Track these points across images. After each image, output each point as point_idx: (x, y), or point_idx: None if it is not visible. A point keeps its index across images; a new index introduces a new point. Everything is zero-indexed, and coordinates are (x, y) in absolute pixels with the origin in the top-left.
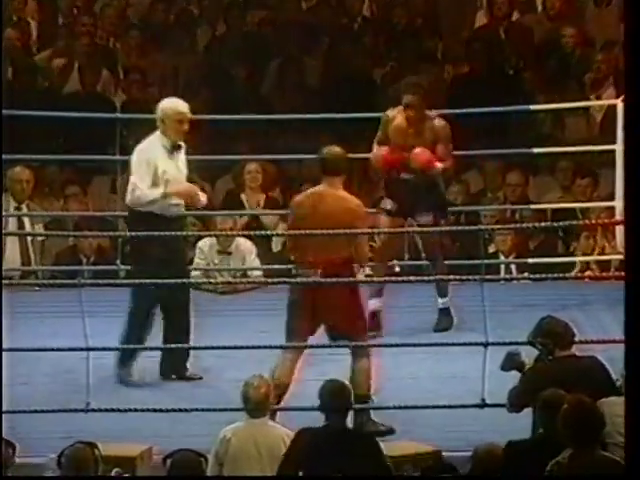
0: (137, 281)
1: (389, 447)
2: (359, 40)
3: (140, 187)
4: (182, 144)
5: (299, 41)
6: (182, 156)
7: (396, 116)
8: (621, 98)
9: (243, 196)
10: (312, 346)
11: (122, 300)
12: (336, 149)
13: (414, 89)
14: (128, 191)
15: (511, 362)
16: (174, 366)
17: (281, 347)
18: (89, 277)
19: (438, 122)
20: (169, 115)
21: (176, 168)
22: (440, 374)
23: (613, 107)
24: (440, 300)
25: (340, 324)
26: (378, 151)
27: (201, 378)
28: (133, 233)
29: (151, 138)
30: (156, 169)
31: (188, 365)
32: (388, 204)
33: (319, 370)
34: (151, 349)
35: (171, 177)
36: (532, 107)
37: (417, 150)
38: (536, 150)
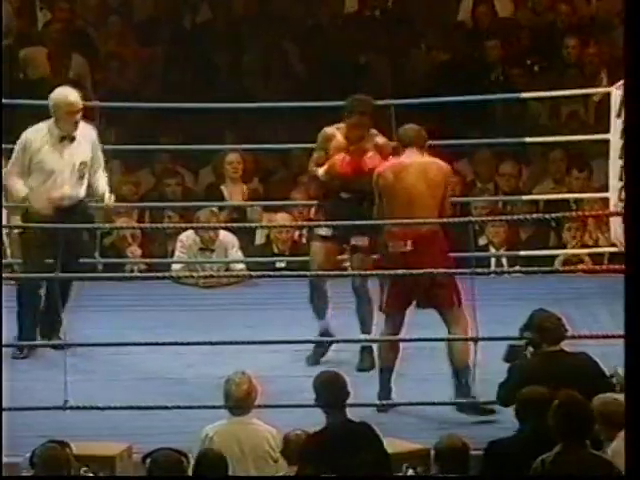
0: (118, 275)
1: None
2: (345, 27)
3: (10, 178)
4: (75, 135)
5: (284, 29)
6: (75, 147)
7: (335, 134)
8: (615, 86)
9: (223, 188)
10: (308, 341)
11: (101, 294)
12: (411, 125)
13: (365, 108)
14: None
15: (513, 355)
16: (45, 329)
17: (266, 342)
18: None
19: (379, 139)
20: (59, 106)
21: (61, 159)
22: (428, 371)
23: (607, 96)
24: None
25: (434, 297)
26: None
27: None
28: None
29: (41, 125)
30: (31, 157)
31: (60, 331)
32: (323, 230)
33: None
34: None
35: (53, 167)
36: (523, 95)
37: (370, 154)
38: (528, 139)
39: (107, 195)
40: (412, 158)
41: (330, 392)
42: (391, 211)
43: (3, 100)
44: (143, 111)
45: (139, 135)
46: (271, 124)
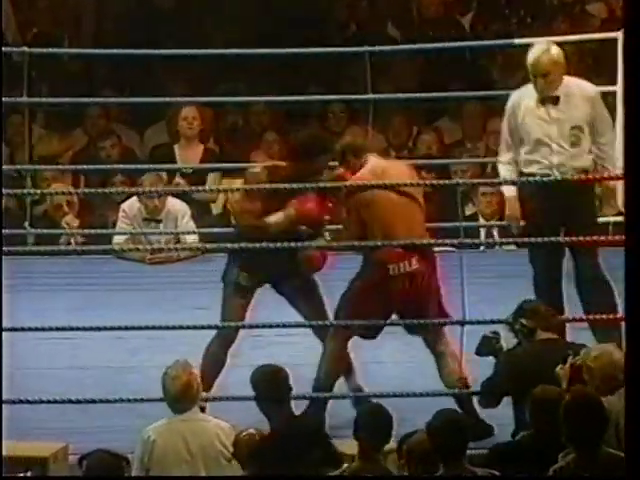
0: (51, 248)
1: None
2: None
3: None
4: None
5: None
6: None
7: None
8: (620, 32)
9: (176, 147)
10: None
11: (31, 271)
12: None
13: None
14: None
15: (488, 346)
16: None
17: (220, 327)
18: None
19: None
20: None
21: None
22: (409, 358)
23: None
24: None
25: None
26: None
27: None
28: None
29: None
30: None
31: None
32: (242, 279)
33: (265, 353)
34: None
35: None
36: (517, 41)
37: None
38: None
39: None
40: (382, 163)
41: (269, 388)
42: (378, 227)
43: None
44: (79, 60)
45: (75, 89)
46: (230, 76)
